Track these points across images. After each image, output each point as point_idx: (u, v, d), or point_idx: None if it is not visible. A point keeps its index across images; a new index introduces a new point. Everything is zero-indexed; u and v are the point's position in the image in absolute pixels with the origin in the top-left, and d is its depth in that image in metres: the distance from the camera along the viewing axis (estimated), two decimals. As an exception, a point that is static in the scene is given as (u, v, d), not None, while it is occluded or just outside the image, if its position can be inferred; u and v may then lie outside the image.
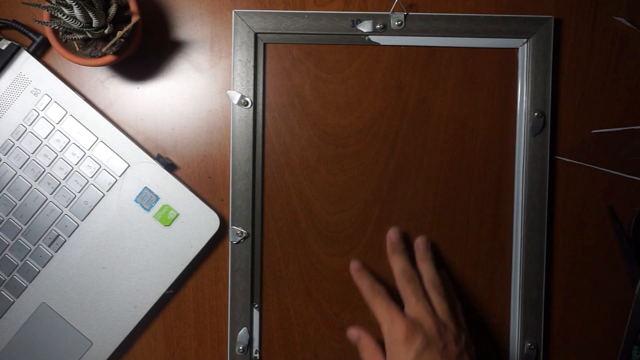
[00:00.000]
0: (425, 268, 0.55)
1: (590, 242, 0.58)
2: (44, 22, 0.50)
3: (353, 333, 0.57)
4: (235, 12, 0.56)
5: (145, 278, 0.56)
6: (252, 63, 0.56)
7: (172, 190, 0.56)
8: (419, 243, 0.57)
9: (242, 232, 0.57)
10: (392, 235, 0.58)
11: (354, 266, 0.57)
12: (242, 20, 0.56)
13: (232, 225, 0.57)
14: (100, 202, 0.56)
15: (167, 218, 0.56)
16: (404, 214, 0.58)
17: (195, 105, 0.58)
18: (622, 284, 0.58)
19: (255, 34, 0.56)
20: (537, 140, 0.56)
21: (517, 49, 0.57)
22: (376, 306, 0.54)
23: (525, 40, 0.56)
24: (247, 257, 0.57)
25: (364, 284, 0.56)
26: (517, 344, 0.57)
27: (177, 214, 0.56)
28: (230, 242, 0.57)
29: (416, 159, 0.57)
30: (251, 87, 0.56)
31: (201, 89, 0.58)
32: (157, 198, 0.56)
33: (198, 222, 0.56)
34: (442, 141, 0.57)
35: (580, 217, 0.58)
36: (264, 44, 0.57)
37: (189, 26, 0.57)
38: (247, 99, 0.56)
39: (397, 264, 0.55)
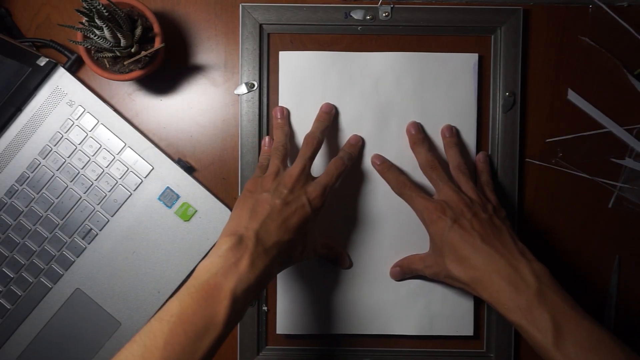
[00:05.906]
0: (452, 154, 0.57)
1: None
2: (78, 41, 0.53)
3: (395, 272, 0.58)
4: (242, 5, 0.59)
5: (167, 267, 0.60)
6: (257, 51, 0.60)
7: (190, 190, 0.60)
8: (445, 131, 0.58)
9: None
10: (411, 128, 0.58)
11: (377, 159, 0.58)
12: (249, 12, 0.59)
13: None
14: (128, 200, 0.60)
15: (187, 214, 0.60)
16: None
17: (210, 115, 0.61)
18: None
19: (260, 25, 0.60)
20: (509, 116, 0.60)
21: (491, 36, 0.61)
22: (406, 198, 0.55)
23: (497, 27, 0.60)
24: None
25: (390, 179, 0.57)
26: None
27: (195, 211, 0.60)
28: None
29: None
30: (257, 72, 0.60)
31: (216, 101, 0.61)
32: (178, 197, 0.60)
33: (213, 217, 0.60)
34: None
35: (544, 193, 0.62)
36: (268, 34, 0.60)
37: (206, 46, 0.61)
38: (254, 82, 0.60)
39: (420, 155, 0.57)
